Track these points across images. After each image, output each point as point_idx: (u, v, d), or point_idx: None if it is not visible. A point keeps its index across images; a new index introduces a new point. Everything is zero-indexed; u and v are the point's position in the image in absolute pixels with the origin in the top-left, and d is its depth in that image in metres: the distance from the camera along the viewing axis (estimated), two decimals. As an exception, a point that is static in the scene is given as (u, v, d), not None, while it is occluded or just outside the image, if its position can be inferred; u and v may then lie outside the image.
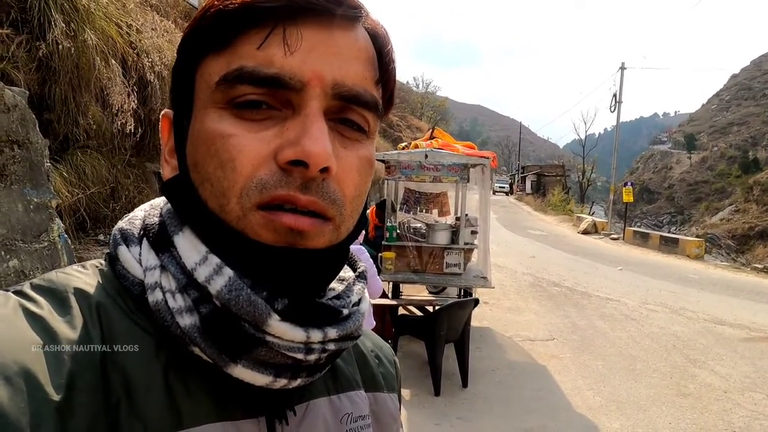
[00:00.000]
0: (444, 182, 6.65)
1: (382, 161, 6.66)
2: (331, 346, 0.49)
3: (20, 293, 0.45)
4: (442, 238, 6.36)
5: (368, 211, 7.52)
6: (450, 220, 7.71)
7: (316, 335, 0.48)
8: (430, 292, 8.21)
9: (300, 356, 0.47)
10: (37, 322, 0.43)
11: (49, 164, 2.58)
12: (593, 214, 31.69)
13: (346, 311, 0.52)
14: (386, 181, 7.02)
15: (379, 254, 6.15)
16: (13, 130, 2.36)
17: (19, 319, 0.42)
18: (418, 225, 7.32)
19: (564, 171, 47.65)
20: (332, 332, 0.49)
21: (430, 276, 6.32)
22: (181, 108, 0.50)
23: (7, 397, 0.37)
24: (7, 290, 0.46)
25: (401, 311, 6.61)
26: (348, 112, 0.48)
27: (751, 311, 9.04)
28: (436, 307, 5.91)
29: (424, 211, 8.03)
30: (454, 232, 6.46)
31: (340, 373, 0.61)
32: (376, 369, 0.67)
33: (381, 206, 7.24)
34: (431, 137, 6.73)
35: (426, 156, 6.10)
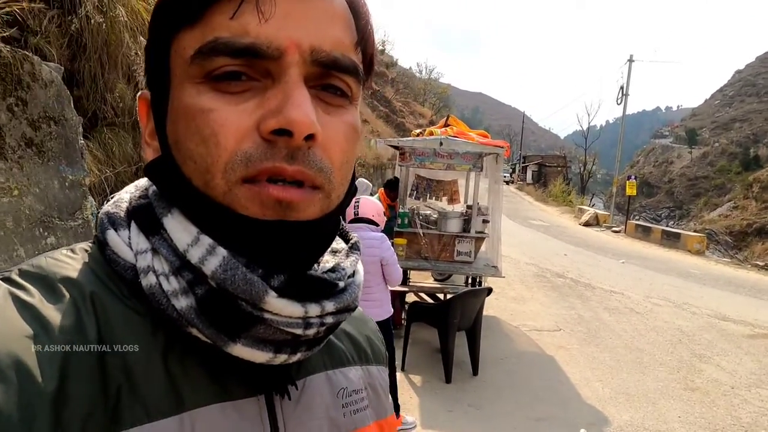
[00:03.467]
0: (457, 170, 6.64)
1: (396, 148, 6.65)
2: (329, 320, 0.49)
3: (8, 280, 0.44)
4: (454, 226, 6.37)
5: (378, 192, 7.51)
6: (459, 208, 7.71)
7: (313, 309, 0.47)
8: (435, 279, 8.24)
9: (299, 331, 0.47)
10: (28, 310, 0.42)
11: (82, 142, 2.56)
12: (593, 206, 31.75)
13: (342, 284, 0.51)
14: (400, 167, 7.01)
15: (391, 240, 6.17)
16: (49, 106, 2.34)
17: (9, 308, 0.41)
18: (428, 212, 7.33)
19: (565, 162, 47.61)
20: (330, 306, 0.49)
21: (441, 263, 6.33)
22: (157, 87, 0.49)
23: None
24: None
25: (412, 298, 6.65)
26: (329, 78, 0.46)
27: (754, 308, 9.10)
28: (448, 295, 5.93)
29: (434, 198, 8.04)
30: (466, 220, 6.46)
31: (335, 349, 0.61)
32: (365, 343, 0.68)
33: (390, 186, 7.16)
34: (446, 125, 6.70)
35: (441, 143, 6.08)
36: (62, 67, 2.59)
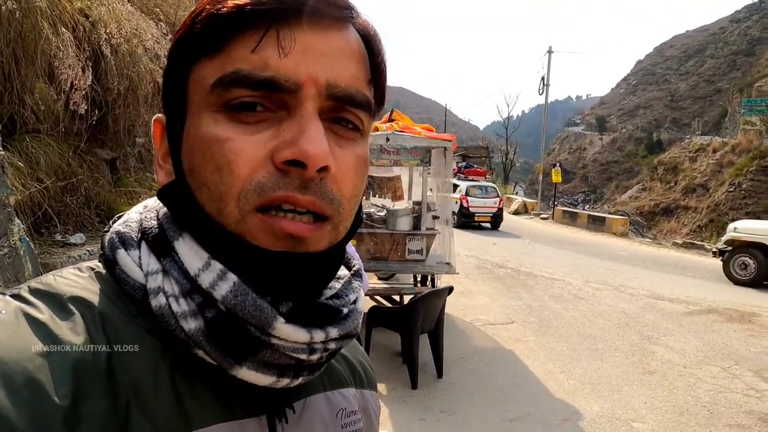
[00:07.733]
0: (404, 166, 6.44)
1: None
2: (332, 345, 0.50)
3: (19, 297, 0.44)
4: (404, 224, 6.17)
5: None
6: (402, 204, 7.55)
7: (318, 335, 0.48)
8: (379, 278, 8.04)
9: (303, 356, 0.47)
10: (39, 328, 0.42)
11: (2, 152, 2.13)
12: (517, 194, 32.78)
13: (345, 310, 0.52)
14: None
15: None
16: (-44, 111, 1.90)
17: (22, 326, 0.41)
18: (372, 210, 7.11)
19: (488, 152, 48.75)
20: (333, 332, 0.49)
21: (392, 263, 6.13)
22: (173, 112, 0.49)
23: (14, 410, 0.36)
24: (4, 294, 0.44)
25: (370, 302, 6.39)
26: (342, 112, 0.47)
27: (683, 285, 9.57)
28: (405, 297, 5.73)
29: (377, 195, 7.83)
30: (416, 217, 6.29)
31: (334, 371, 0.62)
32: (359, 367, 0.68)
33: None
34: (390, 119, 6.47)
35: (387, 139, 5.85)
36: (-31, 64, 2.14)
